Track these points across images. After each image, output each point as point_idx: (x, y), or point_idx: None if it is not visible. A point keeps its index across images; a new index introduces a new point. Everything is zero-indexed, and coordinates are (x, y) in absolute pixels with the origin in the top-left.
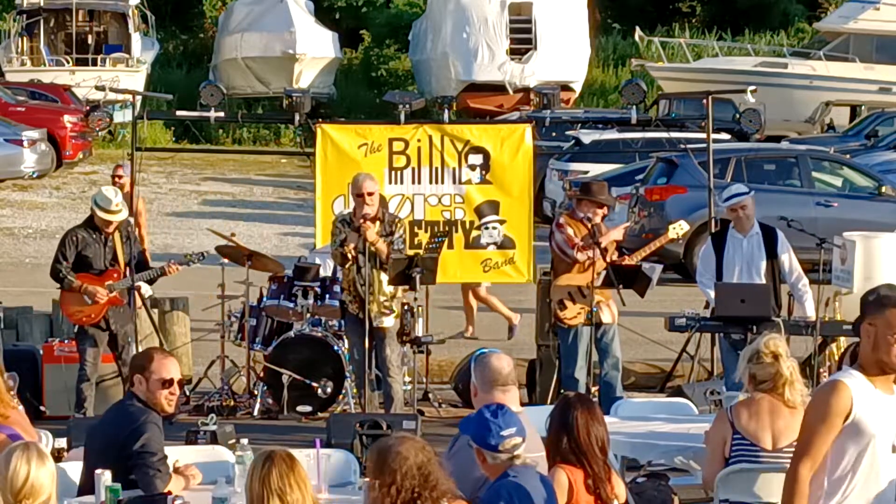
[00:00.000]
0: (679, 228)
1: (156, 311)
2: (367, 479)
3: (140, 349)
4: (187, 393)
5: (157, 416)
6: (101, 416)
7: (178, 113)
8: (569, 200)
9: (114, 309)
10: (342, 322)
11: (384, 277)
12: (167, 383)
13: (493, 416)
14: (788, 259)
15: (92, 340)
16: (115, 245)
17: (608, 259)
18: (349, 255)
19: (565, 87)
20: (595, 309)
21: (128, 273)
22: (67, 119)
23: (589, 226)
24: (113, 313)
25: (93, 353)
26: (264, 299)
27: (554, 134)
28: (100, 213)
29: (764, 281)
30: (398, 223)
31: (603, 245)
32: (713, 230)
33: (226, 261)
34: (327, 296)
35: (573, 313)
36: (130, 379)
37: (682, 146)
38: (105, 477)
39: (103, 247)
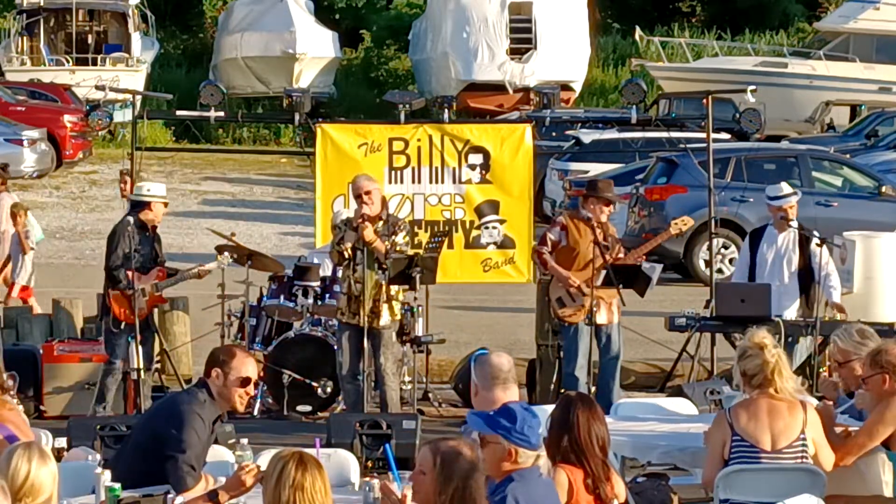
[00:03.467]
0: (682, 224)
1: (156, 310)
2: (416, 473)
3: (139, 348)
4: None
5: (215, 412)
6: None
7: (178, 113)
8: (569, 199)
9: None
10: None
11: (380, 278)
12: (245, 382)
13: (531, 415)
14: (820, 257)
15: (128, 336)
16: (156, 245)
17: (608, 258)
18: (346, 254)
19: (565, 87)
20: (594, 309)
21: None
22: (67, 119)
23: (593, 224)
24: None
25: (125, 350)
26: (264, 299)
27: (554, 134)
28: (159, 202)
29: (796, 277)
30: (401, 225)
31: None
32: (714, 230)
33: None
34: (327, 295)
35: (572, 311)
36: (208, 370)
37: (682, 146)
38: (105, 477)
39: (150, 244)
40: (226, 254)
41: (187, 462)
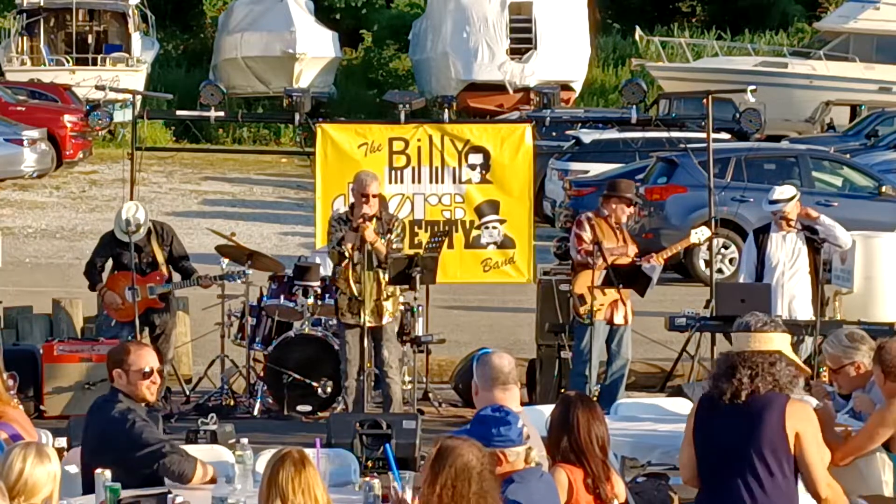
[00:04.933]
0: (701, 234)
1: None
2: (422, 472)
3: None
4: (187, 392)
5: (141, 408)
6: (89, 416)
7: (179, 113)
8: (569, 199)
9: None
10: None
11: (380, 277)
12: (147, 374)
13: (503, 414)
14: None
15: (127, 334)
16: (153, 249)
17: (630, 257)
18: (346, 254)
19: (565, 87)
20: (594, 309)
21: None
22: (67, 119)
23: (613, 224)
24: (155, 311)
25: None
26: (264, 299)
27: (554, 134)
28: (117, 233)
29: (809, 279)
30: (395, 223)
31: (668, 255)
32: (714, 230)
33: (226, 261)
34: (327, 295)
35: (592, 308)
36: (110, 374)
37: (682, 146)
38: (105, 476)
39: (138, 252)
40: (245, 268)
41: (172, 453)
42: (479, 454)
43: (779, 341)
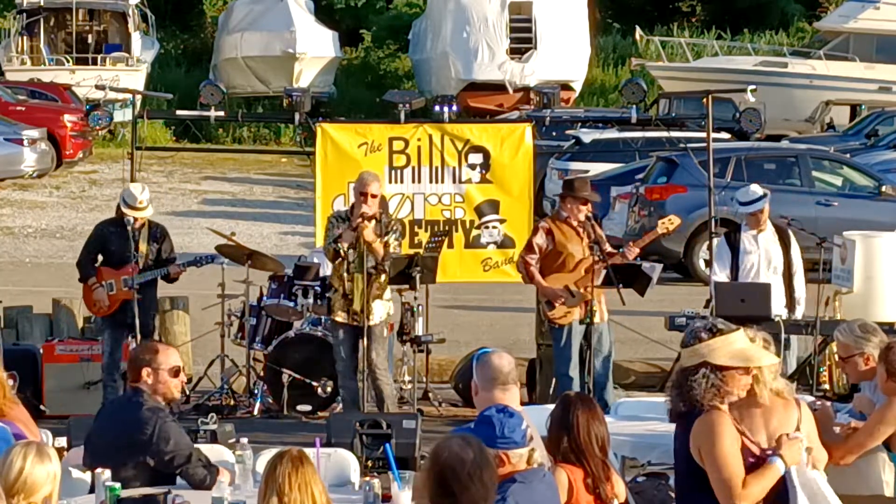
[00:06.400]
0: (669, 223)
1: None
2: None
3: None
4: (187, 392)
5: (167, 410)
6: (106, 416)
7: (179, 112)
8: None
9: (133, 302)
10: None
11: (372, 278)
12: (176, 372)
13: (507, 416)
14: (797, 257)
15: (110, 331)
16: (140, 243)
17: (601, 258)
18: (342, 253)
19: (565, 87)
20: (591, 308)
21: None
22: (67, 118)
23: (574, 225)
24: (133, 305)
25: (111, 343)
26: (264, 298)
27: (554, 133)
28: (125, 210)
29: (781, 277)
30: (393, 226)
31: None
32: (714, 229)
33: (226, 260)
34: (327, 295)
35: (562, 312)
36: (136, 373)
37: (682, 145)
38: (105, 476)
39: (127, 242)
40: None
41: (198, 461)
42: (471, 451)
43: (703, 352)
